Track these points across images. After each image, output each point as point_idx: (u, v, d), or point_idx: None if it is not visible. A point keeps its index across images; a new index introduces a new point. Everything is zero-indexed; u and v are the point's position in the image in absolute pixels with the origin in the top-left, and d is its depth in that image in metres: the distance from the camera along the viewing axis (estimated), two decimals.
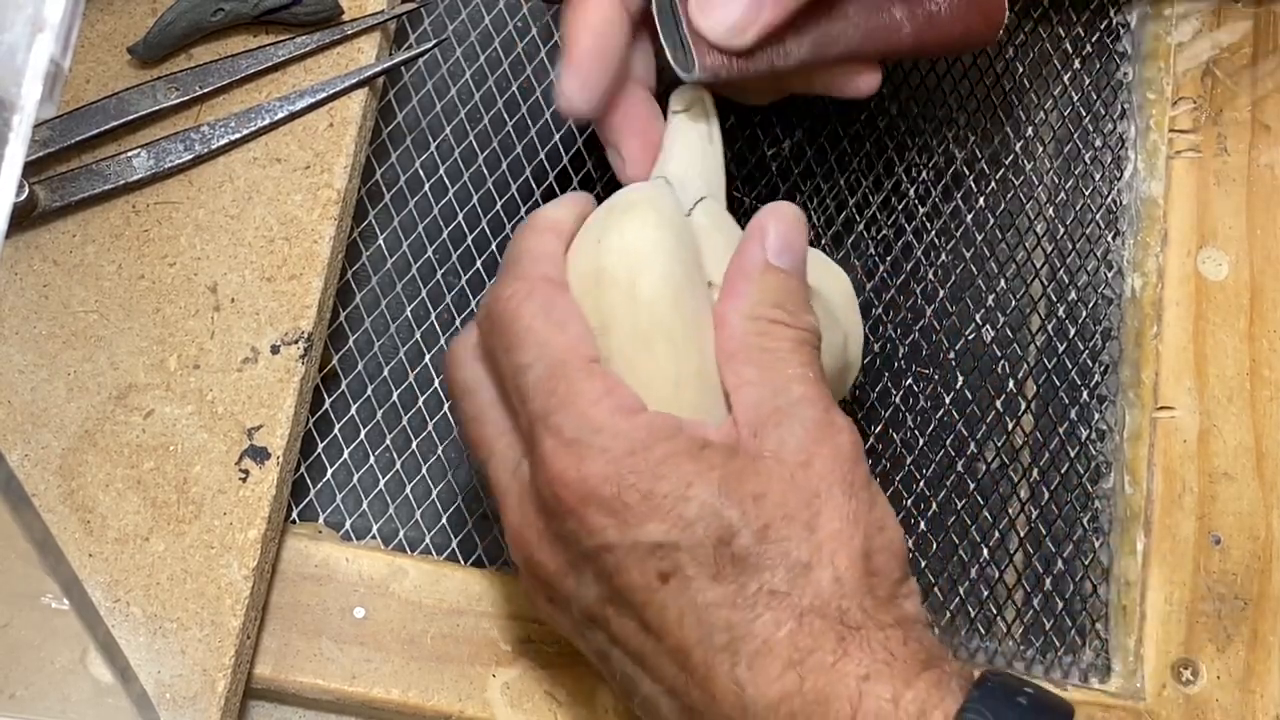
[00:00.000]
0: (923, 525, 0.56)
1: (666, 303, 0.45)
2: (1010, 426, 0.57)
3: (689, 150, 0.51)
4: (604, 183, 0.59)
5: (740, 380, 0.45)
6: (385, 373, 0.55)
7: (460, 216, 0.58)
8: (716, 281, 0.47)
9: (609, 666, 0.46)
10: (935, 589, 0.55)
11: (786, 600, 0.42)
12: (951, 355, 0.58)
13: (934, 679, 0.41)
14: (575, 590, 0.44)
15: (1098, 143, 0.62)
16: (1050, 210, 0.61)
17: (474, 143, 0.59)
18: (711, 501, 0.42)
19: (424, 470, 0.54)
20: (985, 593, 0.55)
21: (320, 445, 0.54)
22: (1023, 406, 0.58)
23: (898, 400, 0.57)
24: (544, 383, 0.44)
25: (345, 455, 0.54)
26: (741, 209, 0.59)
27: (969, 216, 0.60)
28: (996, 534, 0.56)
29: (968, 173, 0.61)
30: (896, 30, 0.54)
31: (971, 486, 0.56)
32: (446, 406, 0.55)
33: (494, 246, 0.58)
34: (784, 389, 0.44)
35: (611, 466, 0.42)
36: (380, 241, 0.57)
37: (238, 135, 0.54)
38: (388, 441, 0.54)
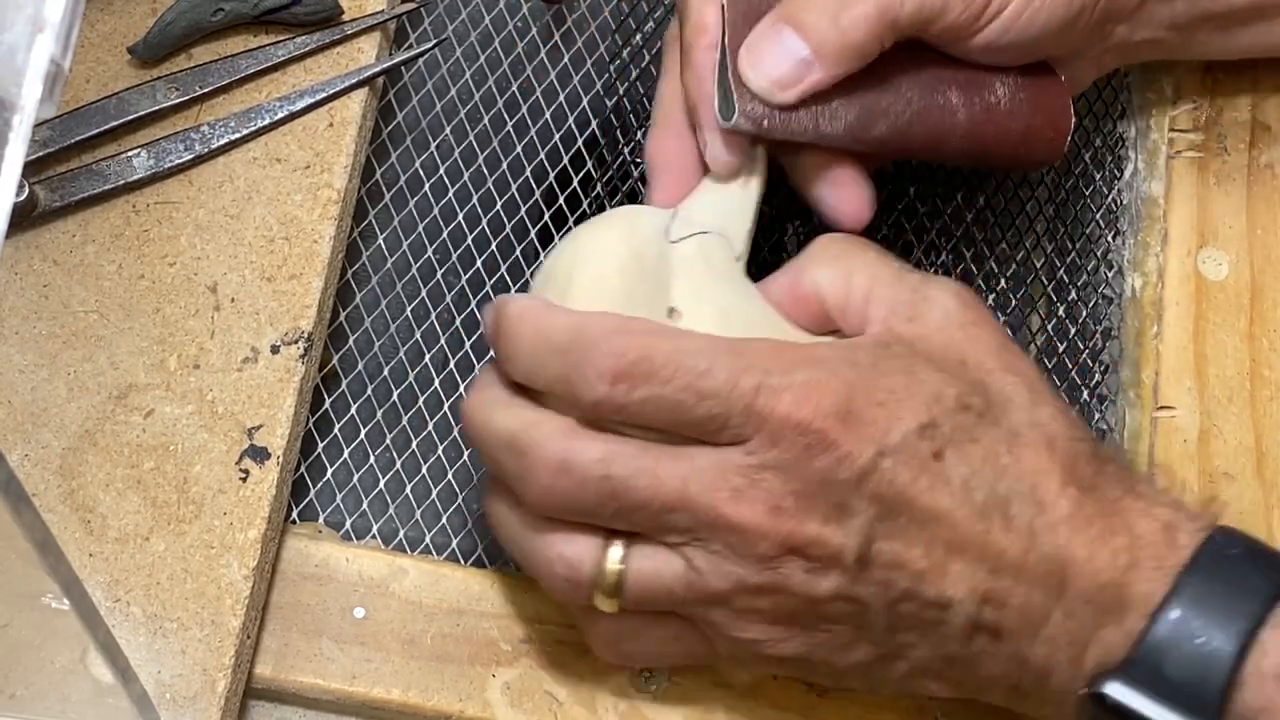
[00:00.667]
0: None
1: (587, 303, 0.47)
2: None
3: (714, 188, 0.51)
4: (604, 182, 0.59)
5: (866, 288, 0.48)
6: (385, 373, 0.55)
7: (460, 216, 0.58)
8: (679, 307, 0.48)
9: (878, 606, 0.45)
10: None
11: (1035, 434, 0.46)
12: None
13: (1169, 500, 0.46)
14: (844, 538, 0.44)
15: (1098, 142, 0.62)
16: (1050, 210, 0.61)
17: (474, 143, 0.59)
18: (936, 377, 0.46)
19: (424, 470, 0.54)
20: None
21: (320, 445, 0.54)
22: None
23: None
24: (733, 366, 0.45)
25: (345, 455, 0.54)
26: None
27: (969, 216, 0.60)
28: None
29: (968, 171, 0.61)
30: (951, 115, 0.52)
31: None
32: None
33: (494, 246, 0.58)
34: (902, 276, 0.48)
35: (846, 385, 0.45)
36: (380, 241, 0.57)
37: (238, 135, 0.54)
38: (388, 441, 0.54)
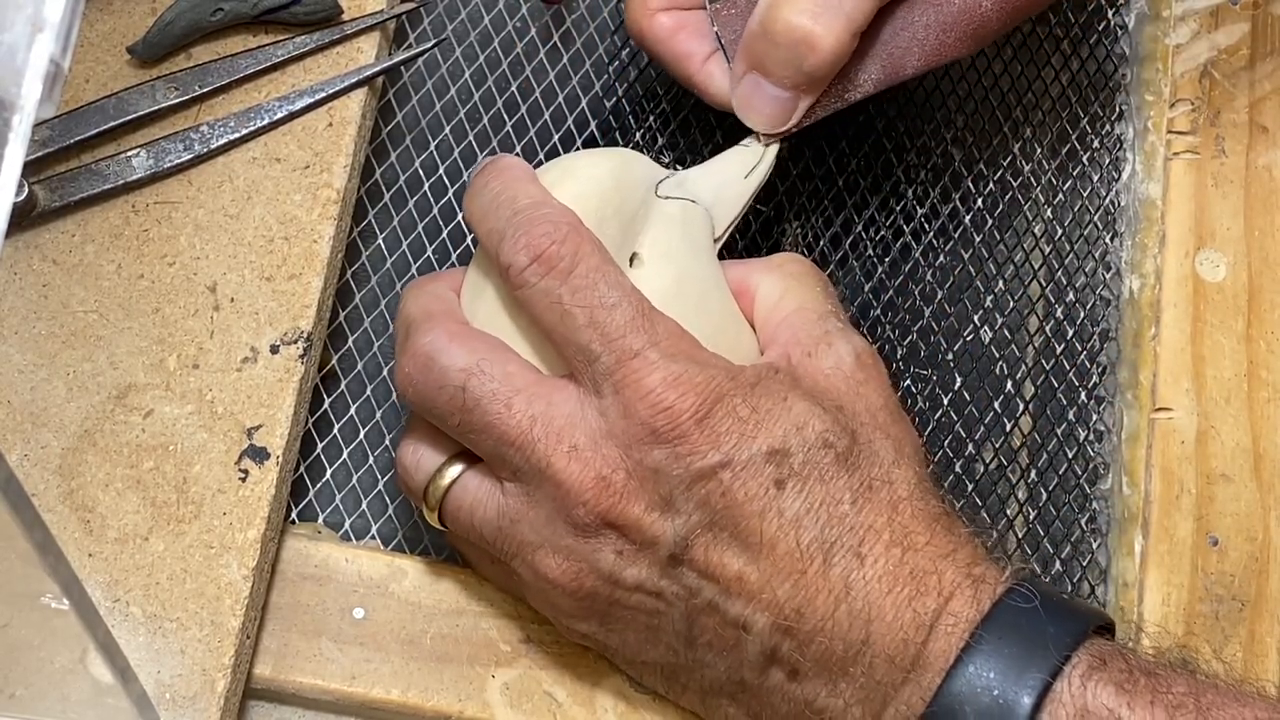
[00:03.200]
0: None
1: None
2: (1008, 427, 0.57)
3: (719, 170, 0.52)
4: None
5: (788, 311, 0.49)
6: (385, 373, 0.55)
7: (460, 216, 0.58)
8: (643, 255, 0.49)
9: (678, 612, 0.46)
10: None
11: (885, 491, 0.46)
12: (949, 356, 0.58)
13: (992, 560, 0.46)
14: (663, 530, 0.45)
15: (1096, 144, 0.62)
16: (1048, 211, 0.61)
17: (474, 143, 0.59)
18: (809, 409, 0.46)
19: None
20: None
21: (320, 445, 0.54)
22: (1021, 407, 0.58)
23: None
24: (635, 321, 0.45)
25: (345, 455, 0.54)
26: None
27: (967, 218, 0.60)
28: (994, 535, 0.56)
29: (966, 174, 0.61)
30: (975, 9, 0.51)
31: (970, 487, 0.56)
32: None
33: None
34: (824, 318, 0.49)
35: (716, 390, 0.45)
36: (380, 241, 0.57)
37: (237, 135, 0.54)
38: (387, 442, 0.54)
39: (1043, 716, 0.42)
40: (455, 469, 0.48)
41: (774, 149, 0.53)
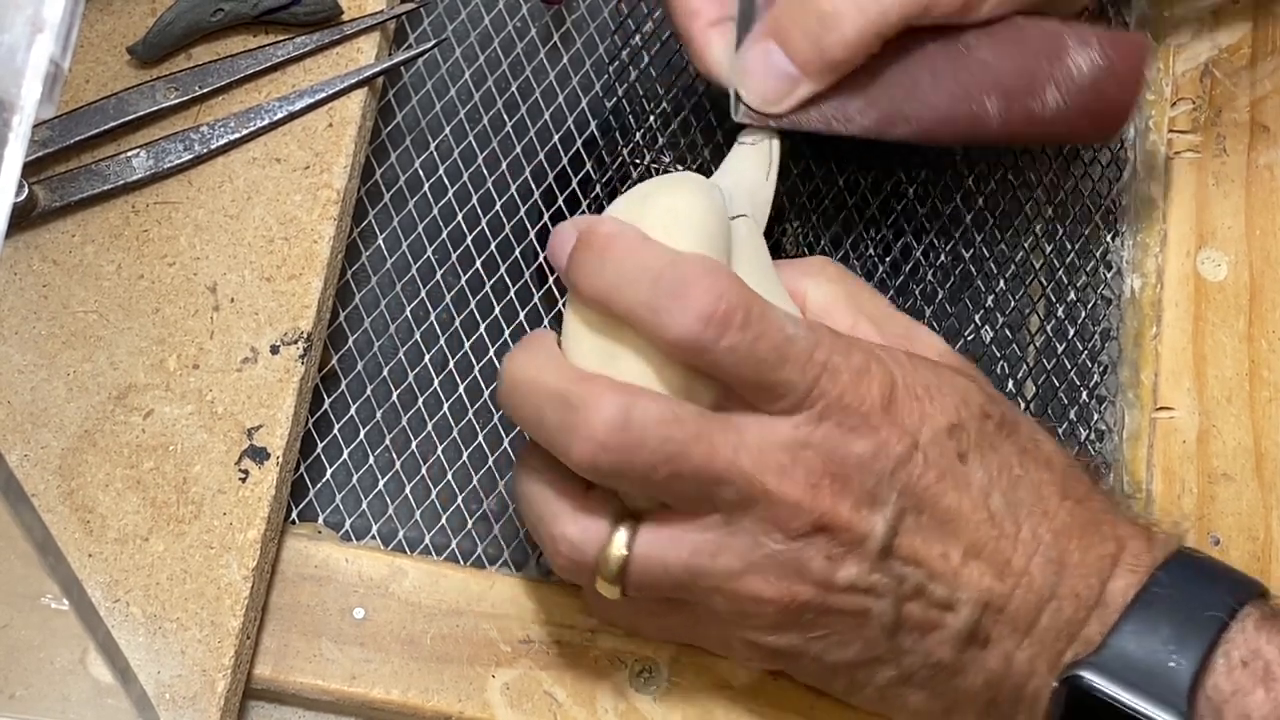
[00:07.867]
0: None
1: (687, 249, 0.46)
2: None
3: (742, 175, 0.52)
4: (603, 182, 0.59)
5: (854, 317, 0.50)
6: (385, 373, 0.55)
7: (460, 216, 0.58)
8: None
9: (887, 603, 0.46)
10: None
11: (1038, 451, 0.48)
12: None
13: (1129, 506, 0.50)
14: (873, 524, 0.45)
15: (1097, 143, 0.62)
16: (1049, 211, 0.61)
17: (474, 143, 0.59)
18: (962, 382, 0.48)
19: (424, 470, 0.54)
20: None
21: (320, 445, 0.54)
22: (1022, 407, 0.58)
23: None
24: (809, 338, 0.45)
25: (345, 455, 0.54)
26: None
27: (968, 217, 0.60)
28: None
29: (967, 173, 0.61)
30: (982, 121, 0.52)
31: None
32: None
33: (494, 247, 0.58)
34: (895, 315, 0.51)
35: (891, 375, 0.46)
36: (380, 241, 0.57)
37: (237, 135, 0.54)
38: (387, 441, 0.54)
39: (1217, 654, 0.44)
40: (625, 532, 0.46)
41: (777, 144, 0.53)
